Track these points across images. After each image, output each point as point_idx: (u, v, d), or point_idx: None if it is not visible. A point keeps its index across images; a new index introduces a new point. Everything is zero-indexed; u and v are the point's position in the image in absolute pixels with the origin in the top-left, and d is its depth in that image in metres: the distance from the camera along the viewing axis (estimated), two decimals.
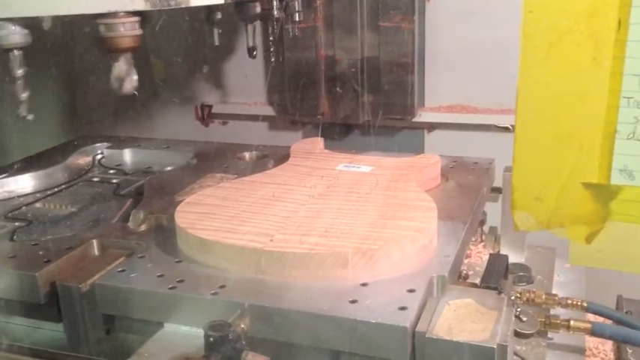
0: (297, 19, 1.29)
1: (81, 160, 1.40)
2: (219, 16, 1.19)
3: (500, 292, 0.81)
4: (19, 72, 0.89)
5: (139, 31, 0.95)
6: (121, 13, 0.91)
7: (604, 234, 0.85)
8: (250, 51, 1.32)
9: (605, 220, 0.84)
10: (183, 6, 0.95)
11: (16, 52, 0.88)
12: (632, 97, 0.77)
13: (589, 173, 0.83)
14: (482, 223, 1.18)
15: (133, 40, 0.94)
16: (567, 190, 0.84)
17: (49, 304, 0.89)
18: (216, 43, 1.27)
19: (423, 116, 1.60)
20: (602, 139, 0.81)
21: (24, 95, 0.90)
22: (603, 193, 0.83)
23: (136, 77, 0.97)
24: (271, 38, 1.33)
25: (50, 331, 0.93)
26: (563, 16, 0.77)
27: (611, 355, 1.08)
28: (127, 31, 0.93)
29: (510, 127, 1.50)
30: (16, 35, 0.87)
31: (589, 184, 0.83)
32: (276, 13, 1.21)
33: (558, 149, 0.83)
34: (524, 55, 0.81)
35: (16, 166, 1.28)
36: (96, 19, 0.91)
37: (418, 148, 1.64)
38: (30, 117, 0.91)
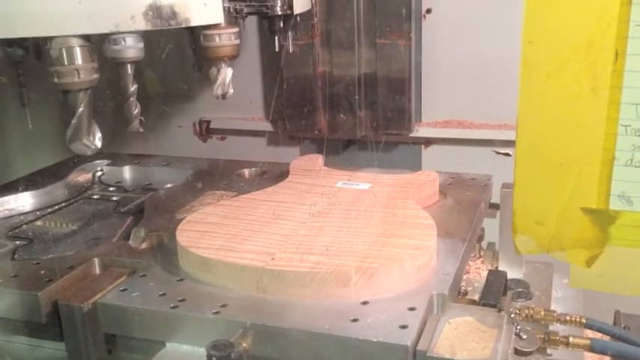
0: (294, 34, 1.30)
1: (81, 177, 1.40)
2: (281, 24, 1.19)
3: (500, 310, 0.81)
4: (133, 88, 0.88)
5: (238, 41, 1.00)
6: (222, 24, 0.95)
7: (603, 258, 0.87)
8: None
9: (604, 244, 0.86)
10: (183, 25, 0.95)
11: (129, 68, 0.87)
12: (629, 125, 0.78)
13: (588, 199, 0.84)
14: (481, 238, 1.19)
15: (234, 48, 1.00)
16: (567, 214, 0.85)
17: (51, 323, 0.89)
18: (285, 48, 1.28)
19: (419, 131, 1.61)
20: (600, 166, 0.83)
21: (137, 111, 0.90)
22: (602, 218, 0.84)
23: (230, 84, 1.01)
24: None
25: (52, 350, 0.93)
26: (562, 47, 0.79)
27: None
28: (233, 40, 0.98)
29: (511, 153, 1.51)
30: (132, 50, 0.86)
31: (588, 209, 0.85)
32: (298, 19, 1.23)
33: (558, 175, 0.84)
34: (524, 84, 0.82)
35: (20, 188, 1.28)
36: (203, 31, 0.96)
37: (415, 163, 1.64)
38: (142, 130, 0.91)
